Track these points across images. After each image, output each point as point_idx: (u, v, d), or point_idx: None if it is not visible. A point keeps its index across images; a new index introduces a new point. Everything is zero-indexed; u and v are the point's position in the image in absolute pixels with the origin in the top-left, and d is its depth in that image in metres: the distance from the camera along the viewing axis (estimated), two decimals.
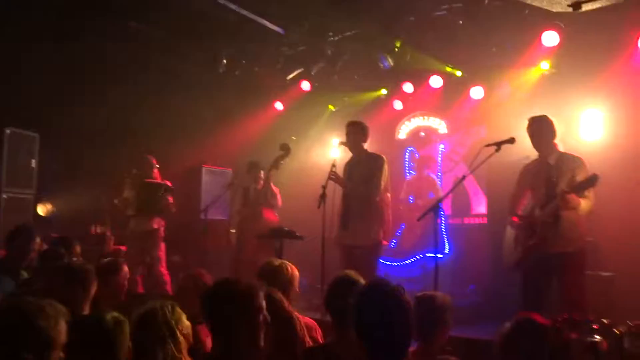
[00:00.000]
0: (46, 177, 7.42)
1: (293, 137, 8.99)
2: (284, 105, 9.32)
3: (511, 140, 4.57)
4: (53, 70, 7.17)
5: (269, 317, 2.46)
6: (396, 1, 6.71)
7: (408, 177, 8.41)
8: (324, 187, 5.51)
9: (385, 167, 5.62)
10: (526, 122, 4.85)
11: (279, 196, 7.47)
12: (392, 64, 7.48)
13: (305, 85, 8.66)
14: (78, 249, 5.11)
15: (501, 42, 6.84)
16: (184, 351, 2.62)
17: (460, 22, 6.61)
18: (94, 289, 3.42)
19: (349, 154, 5.88)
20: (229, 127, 8.75)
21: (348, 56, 7.83)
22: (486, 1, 6.22)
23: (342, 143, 5.87)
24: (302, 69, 8.30)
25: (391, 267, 7.64)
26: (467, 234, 7.76)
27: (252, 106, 9.06)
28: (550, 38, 6.35)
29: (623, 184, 5.85)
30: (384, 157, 5.70)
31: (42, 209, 7.73)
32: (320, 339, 3.47)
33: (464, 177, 4.88)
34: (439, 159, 8.44)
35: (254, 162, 7.66)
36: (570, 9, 5.61)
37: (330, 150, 8.99)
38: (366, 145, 5.77)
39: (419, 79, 8.02)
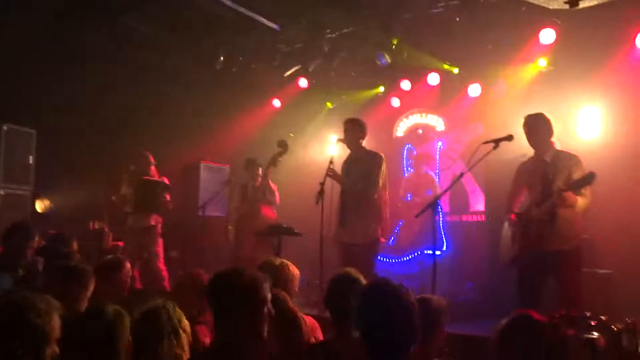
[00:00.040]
0: (44, 173, 7.40)
1: (291, 134, 8.98)
2: (281, 102, 9.30)
3: (509, 138, 4.56)
4: (50, 67, 7.15)
5: (273, 310, 2.47)
6: None
7: (406, 174, 8.41)
8: (322, 184, 5.50)
9: (384, 165, 5.60)
10: (522, 120, 4.85)
11: (277, 193, 7.45)
12: (389, 61, 7.48)
13: (303, 82, 8.65)
14: (75, 245, 5.13)
15: (498, 39, 6.84)
16: (186, 347, 2.63)
17: (457, 19, 6.62)
18: (92, 286, 3.41)
19: (347, 151, 5.86)
20: (227, 124, 8.74)
21: (345, 53, 7.83)
22: None
23: (340, 140, 5.85)
24: (300, 66, 8.30)
25: (389, 264, 7.63)
26: (465, 232, 7.73)
27: (249, 103, 9.04)
28: (547, 35, 6.36)
29: (620, 181, 5.85)
30: (382, 155, 5.67)
31: (39, 205, 7.71)
32: (321, 338, 3.47)
33: (461, 175, 4.91)
34: (437, 156, 8.44)
35: (252, 159, 7.65)
36: (567, 6, 5.62)
37: (327, 147, 8.99)
38: (364, 143, 5.75)
39: (417, 76, 8.02)
